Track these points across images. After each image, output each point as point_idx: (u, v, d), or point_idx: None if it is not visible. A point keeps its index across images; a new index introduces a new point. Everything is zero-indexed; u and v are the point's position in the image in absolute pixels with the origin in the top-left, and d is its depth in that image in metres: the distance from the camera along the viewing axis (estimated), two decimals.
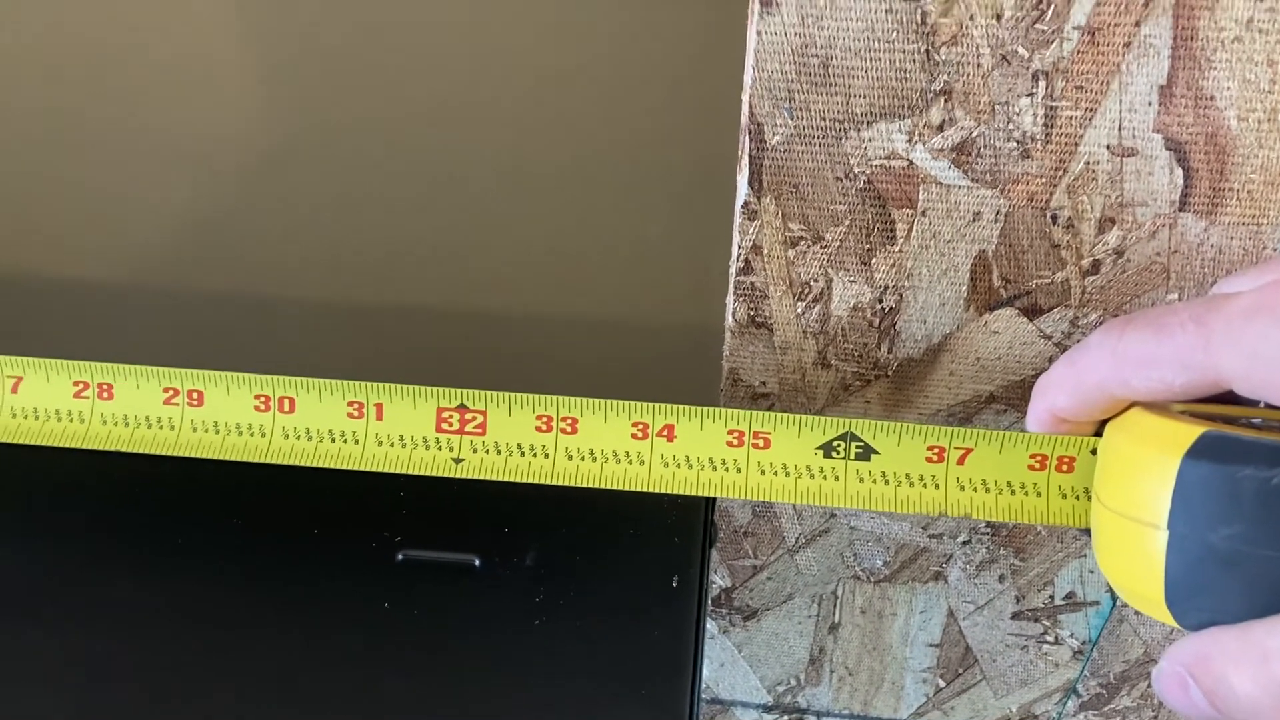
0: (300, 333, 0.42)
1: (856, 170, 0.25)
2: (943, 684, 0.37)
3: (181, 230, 0.41)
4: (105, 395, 0.25)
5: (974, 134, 0.24)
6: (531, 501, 0.27)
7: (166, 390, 0.25)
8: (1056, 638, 0.35)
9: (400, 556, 0.27)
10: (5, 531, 0.28)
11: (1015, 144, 0.24)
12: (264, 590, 0.27)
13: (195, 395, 0.25)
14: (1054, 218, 0.25)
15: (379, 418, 0.25)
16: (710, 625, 0.37)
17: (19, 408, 0.26)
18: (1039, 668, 0.37)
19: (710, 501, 0.29)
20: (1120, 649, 0.36)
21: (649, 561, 0.27)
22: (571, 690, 0.26)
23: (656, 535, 0.27)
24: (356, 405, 0.24)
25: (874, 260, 0.27)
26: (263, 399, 0.25)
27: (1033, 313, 0.27)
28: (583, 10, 0.35)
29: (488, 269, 0.41)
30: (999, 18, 0.22)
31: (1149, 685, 0.37)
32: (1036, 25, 0.22)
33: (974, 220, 0.26)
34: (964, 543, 0.33)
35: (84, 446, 0.25)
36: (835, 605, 0.36)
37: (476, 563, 0.26)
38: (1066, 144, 0.24)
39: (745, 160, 0.25)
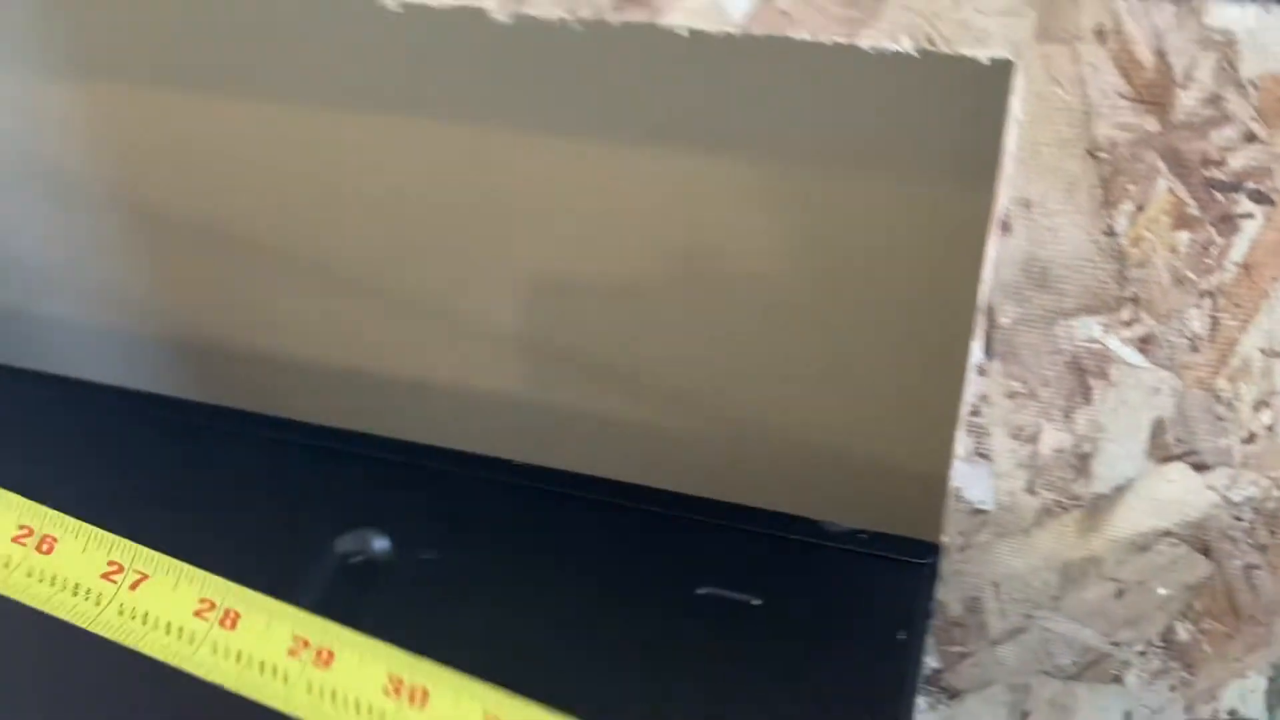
0: None
1: (1064, 348, 0.34)
2: None
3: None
4: None
5: (1155, 330, 0.33)
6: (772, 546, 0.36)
7: None
8: None
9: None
10: None
11: (1186, 340, 0.33)
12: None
13: None
14: (1217, 398, 0.33)
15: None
16: (919, 700, 0.45)
17: None
18: None
19: (934, 577, 0.38)
20: None
21: (878, 611, 0.36)
22: None
23: (884, 593, 0.36)
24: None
25: (1075, 415, 0.35)
26: None
27: (1201, 468, 0.35)
28: (845, 220, 0.46)
29: (753, 402, 0.52)
30: (1175, 251, 0.31)
31: None
32: (1204, 259, 0.31)
33: (1154, 394, 0.34)
34: (1140, 653, 0.41)
35: None
36: (1027, 695, 0.43)
37: (755, 602, 0.36)
38: (1226, 345, 0.32)
39: (981, 333, 0.35)
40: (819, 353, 0.50)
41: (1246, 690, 0.40)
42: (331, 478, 0.40)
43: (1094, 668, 0.42)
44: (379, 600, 0.35)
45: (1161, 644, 0.40)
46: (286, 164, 0.54)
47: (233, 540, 0.37)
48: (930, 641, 0.43)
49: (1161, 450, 0.35)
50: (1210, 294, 0.32)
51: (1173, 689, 0.41)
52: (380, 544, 0.37)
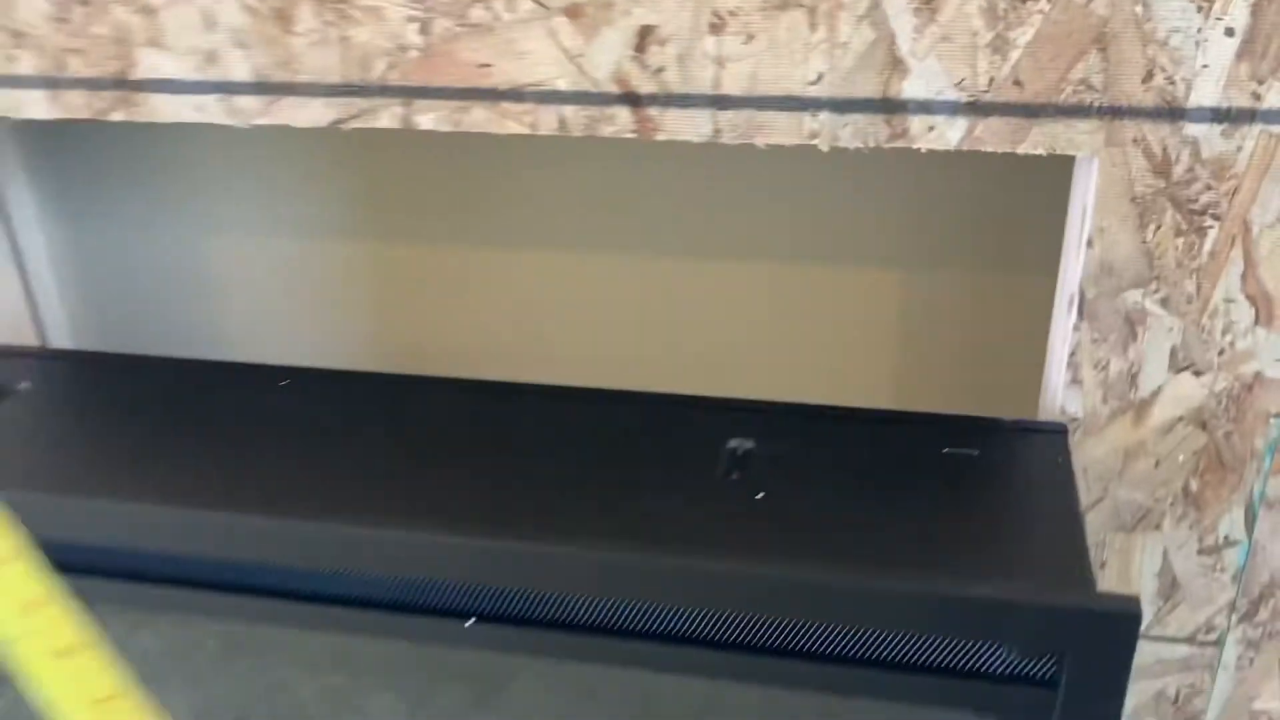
0: None
1: (1120, 310, 0.64)
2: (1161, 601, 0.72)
3: None
4: None
5: (1169, 294, 0.63)
6: None
7: None
8: (1222, 565, 0.70)
9: None
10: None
11: (1185, 298, 0.63)
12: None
13: None
14: (1202, 330, 0.64)
15: None
16: None
17: None
18: (1216, 589, 0.71)
19: (1068, 442, 0.66)
20: (1258, 576, 0.70)
21: (1045, 460, 0.63)
22: None
23: (1047, 449, 0.64)
24: None
25: (1128, 349, 0.65)
26: None
27: (1197, 374, 0.65)
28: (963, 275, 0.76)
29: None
30: (1177, 249, 0.62)
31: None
32: (1191, 252, 0.62)
33: (1169, 332, 0.64)
34: (1171, 504, 0.69)
35: None
36: (1103, 549, 0.71)
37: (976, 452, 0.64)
38: (1205, 299, 0.63)
39: (1075, 306, 0.64)
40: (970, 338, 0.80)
41: (1232, 520, 0.69)
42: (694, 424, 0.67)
43: (1144, 520, 0.70)
44: (752, 475, 0.62)
45: (1182, 495, 0.69)
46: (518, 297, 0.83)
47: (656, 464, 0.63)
48: None
49: (1175, 366, 0.65)
50: (1195, 271, 0.62)
51: (1190, 527, 0.70)
52: (747, 443, 0.64)
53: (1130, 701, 0.77)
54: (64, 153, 0.92)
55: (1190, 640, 0.73)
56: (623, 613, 0.57)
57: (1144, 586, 0.72)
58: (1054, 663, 0.53)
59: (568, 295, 0.89)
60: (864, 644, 0.55)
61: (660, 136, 0.64)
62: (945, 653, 0.54)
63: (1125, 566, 0.72)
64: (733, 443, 0.64)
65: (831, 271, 0.83)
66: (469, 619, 0.59)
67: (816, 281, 0.84)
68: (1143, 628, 0.73)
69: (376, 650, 0.63)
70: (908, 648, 0.55)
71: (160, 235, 0.95)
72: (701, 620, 0.57)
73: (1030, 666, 0.54)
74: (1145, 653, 0.74)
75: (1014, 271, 0.80)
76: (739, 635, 0.57)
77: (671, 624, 0.57)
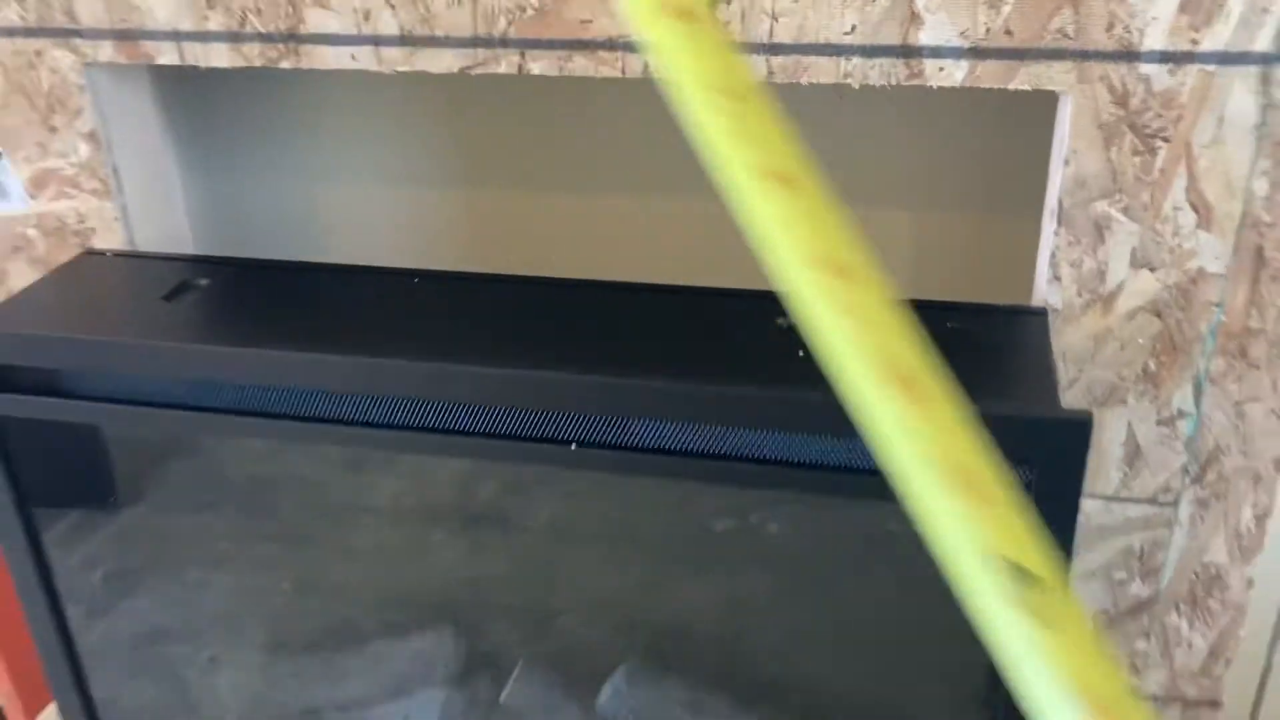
0: None
1: (1092, 216, 0.81)
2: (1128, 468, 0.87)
3: None
4: None
5: (1129, 203, 0.80)
6: None
7: None
8: (1176, 434, 0.86)
9: None
10: None
11: (1142, 206, 0.80)
12: None
13: None
14: (1157, 233, 0.80)
15: None
16: None
17: None
18: (1171, 456, 0.87)
19: (1047, 322, 0.82)
20: (1206, 444, 0.86)
21: (1031, 335, 0.80)
22: None
23: (1031, 328, 0.81)
24: None
25: (1098, 250, 0.81)
26: None
27: (1152, 269, 0.81)
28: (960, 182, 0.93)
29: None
30: (1134, 165, 0.79)
31: (1229, 469, 0.86)
32: (1146, 169, 0.78)
33: (1131, 235, 0.81)
34: (1134, 381, 0.85)
35: None
36: None
37: None
38: (1159, 206, 0.79)
39: (1054, 214, 0.81)
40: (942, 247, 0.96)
41: (1183, 395, 0.85)
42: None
43: (1112, 395, 0.86)
44: None
45: (1142, 374, 0.85)
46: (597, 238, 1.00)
47: None
48: None
49: (1135, 264, 0.81)
50: (1149, 184, 0.79)
51: (1149, 402, 0.86)
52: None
53: (1101, 558, 0.92)
54: (201, 113, 1.10)
55: (1151, 501, 0.89)
56: (696, 433, 0.74)
57: (1111, 454, 0.88)
58: (1027, 466, 0.69)
59: (632, 230, 1.06)
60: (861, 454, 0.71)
61: None
62: None
63: (1097, 436, 0.88)
64: (780, 320, 0.81)
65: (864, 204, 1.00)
66: (571, 444, 0.76)
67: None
68: (1111, 490, 0.89)
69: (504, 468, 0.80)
70: None
71: (277, 182, 1.13)
72: (739, 438, 0.73)
73: (1011, 470, 0.70)
74: (1115, 512, 0.90)
75: (1009, 209, 0.96)
76: (782, 452, 0.73)
77: (713, 441, 0.73)
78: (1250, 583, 0.91)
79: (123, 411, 0.83)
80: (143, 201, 1.02)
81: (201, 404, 0.81)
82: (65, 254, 1.01)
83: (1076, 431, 0.67)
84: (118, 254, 0.98)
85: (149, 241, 1.03)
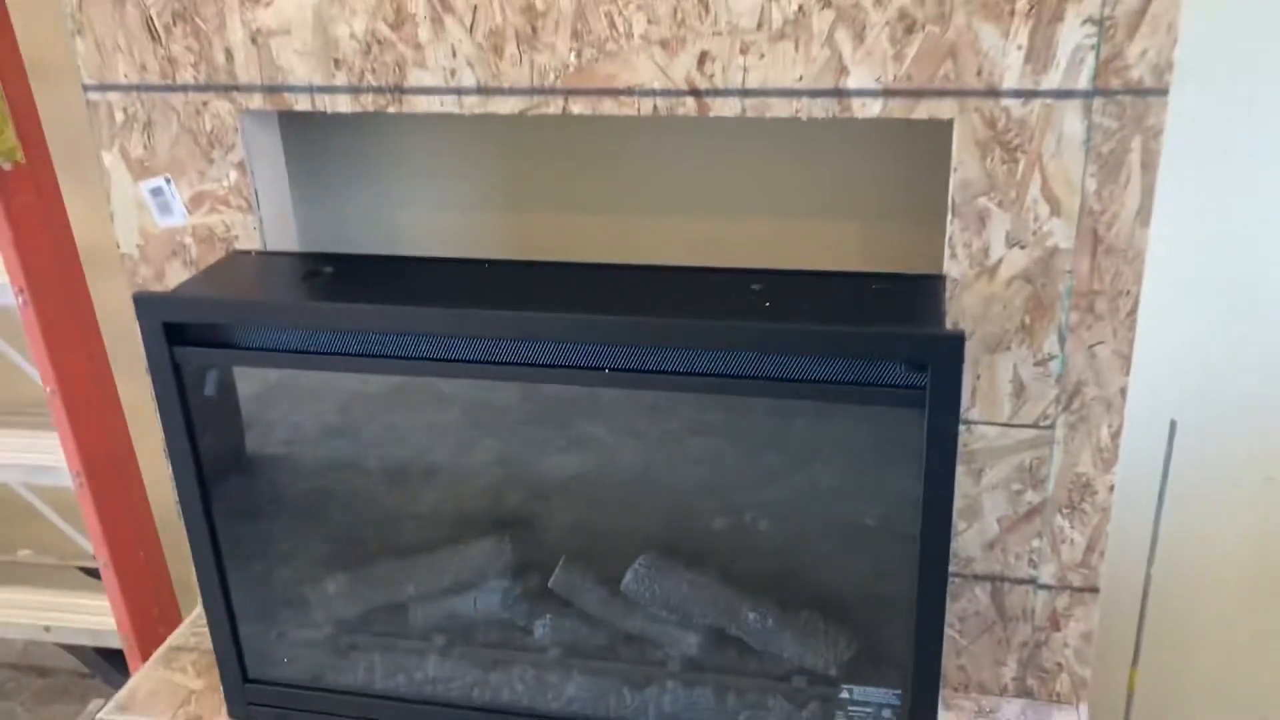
0: None
1: (975, 198, 1.12)
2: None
3: None
4: None
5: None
6: None
7: None
8: (1049, 373, 1.16)
9: None
10: None
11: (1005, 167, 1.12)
12: None
13: None
14: (1021, 218, 1.12)
15: None
16: None
17: None
18: (1046, 389, 1.17)
19: (943, 287, 1.14)
20: (1070, 379, 1.16)
21: (932, 294, 1.11)
22: None
23: (932, 290, 1.12)
24: None
25: (984, 233, 1.13)
26: None
27: (1021, 247, 1.13)
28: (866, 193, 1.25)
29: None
30: (998, 157, 1.11)
31: (1089, 401, 1.16)
32: (1013, 163, 1.11)
33: (999, 215, 1.12)
34: (1015, 332, 1.16)
35: None
36: (975, 366, 1.18)
37: None
38: (1024, 185, 1.11)
39: (953, 204, 1.13)
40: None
41: (1051, 342, 1.16)
42: None
43: (999, 345, 1.17)
44: None
45: (1020, 327, 1.16)
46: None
47: None
48: None
49: (1009, 243, 1.13)
50: (1015, 184, 1.10)
51: (1027, 348, 1.16)
52: (760, 285, 1.13)
53: (1002, 473, 1.22)
54: (311, 152, 1.43)
55: (1034, 425, 1.20)
56: (686, 357, 1.05)
57: (1002, 389, 1.18)
58: (923, 370, 1.00)
59: (644, 241, 1.38)
60: (814, 367, 1.02)
61: (711, 114, 1.14)
62: (866, 370, 1.02)
63: (992, 376, 1.18)
64: (754, 285, 1.12)
65: (819, 214, 1.32)
66: (606, 369, 1.07)
67: (804, 222, 1.32)
68: (1004, 418, 1.20)
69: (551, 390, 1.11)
70: (845, 368, 1.02)
71: (364, 207, 1.45)
72: (727, 359, 1.04)
73: (909, 377, 1.01)
74: (1009, 435, 1.20)
75: (924, 220, 1.27)
76: (745, 368, 1.04)
77: (709, 363, 1.04)
78: (1112, 488, 1.21)
79: (277, 357, 1.14)
80: (273, 217, 1.34)
81: (329, 349, 1.13)
82: (211, 257, 1.33)
83: (954, 343, 0.98)
84: (260, 253, 1.30)
85: (274, 247, 1.35)
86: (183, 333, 1.16)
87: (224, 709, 1.36)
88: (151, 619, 1.71)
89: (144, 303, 1.15)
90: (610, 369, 1.07)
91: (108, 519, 1.64)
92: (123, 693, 1.41)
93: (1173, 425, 1.37)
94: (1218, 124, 1.29)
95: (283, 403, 1.29)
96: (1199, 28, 1.21)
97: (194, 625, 1.53)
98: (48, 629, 1.75)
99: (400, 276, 1.21)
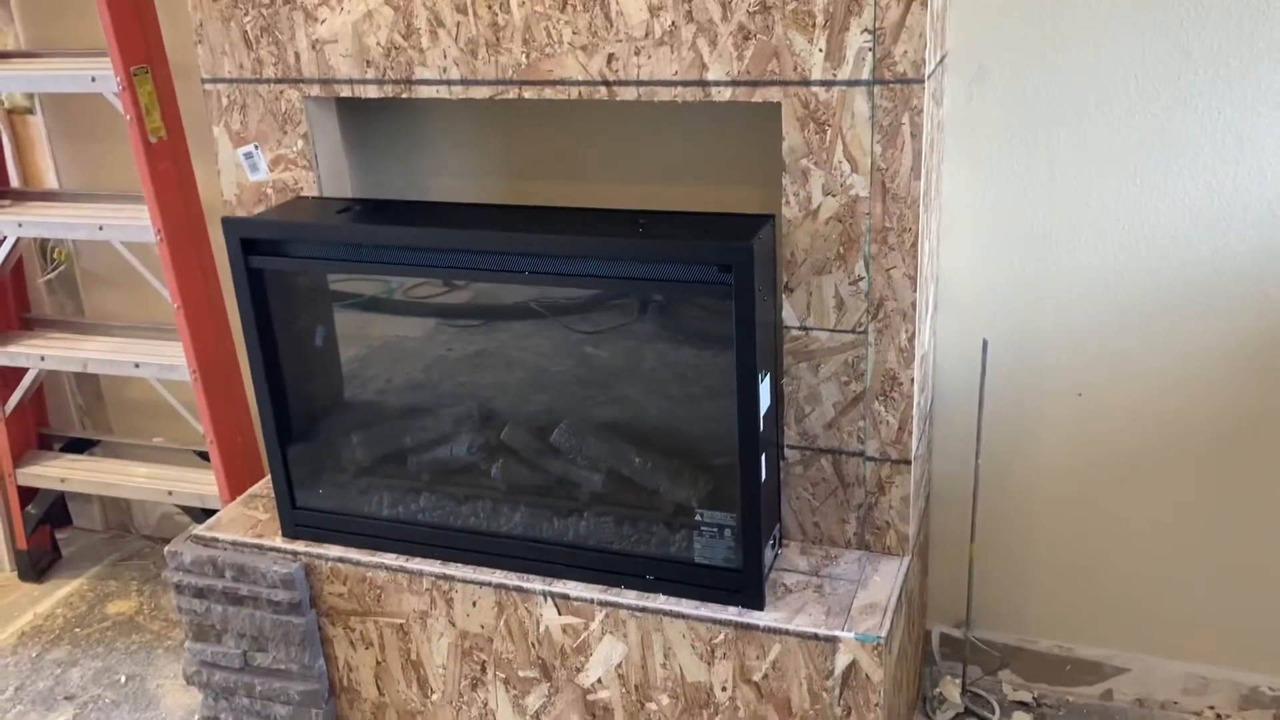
0: None
1: (801, 157, 1.56)
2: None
3: None
4: None
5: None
6: None
7: None
8: (859, 291, 1.58)
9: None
10: None
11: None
12: None
13: None
14: (826, 170, 1.55)
15: None
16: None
17: None
18: (859, 303, 1.58)
19: (775, 226, 1.57)
20: (875, 295, 1.57)
21: (763, 233, 1.55)
22: None
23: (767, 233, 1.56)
24: None
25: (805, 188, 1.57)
26: None
27: (832, 195, 1.56)
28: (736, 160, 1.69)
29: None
30: (810, 133, 1.54)
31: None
32: (821, 140, 1.54)
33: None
34: (835, 261, 1.58)
35: None
36: (816, 293, 1.60)
37: None
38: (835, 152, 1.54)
39: (786, 173, 1.57)
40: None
41: (860, 267, 1.57)
42: None
43: (823, 269, 1.59)
44: None
45: (837, 255, 1.58)
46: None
47: None
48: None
49: (824, 193, 1.55)
50: (825, 149, 1.53)
51: (843, 272, 1.58)
52: (643, 220, 1.59)
53: (834, 368, 1.64)
54: (360, 128, 1.95)
55: (853, 331, 1.61)
56: (572, 261, 1.51)
57: (829, 303, 1.61)
58: (729, 270, 1.44)
59: (591, 198, 1.85)
60: (669, 271, 1.48)
61: (618, 99, 1.60)
62: (701, 272, 1.46)
63: (820, 293, 1.61)
64: (640, 220, 1.58)
65: (685, 179, 1.77)
66: (525, 272, 1.54)
67: (699, 186, 1.77)
68: (831, 325, 1.62)
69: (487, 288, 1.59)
70: (686, 271, 1.47)
71: (400, 174, 1.96)
72: (611, 266, 1.50)
73: (719, 275, 1.45)
74: (836, 339, 1.62)
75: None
76: (623, 272, 1.50)
77: (600, 269, 1.51)
78: (913, 381, 1.62)
79: (319, 264, 1.66)
80: (328, 175, 1.87)
81: (357, 259, 1.63)
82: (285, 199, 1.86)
83: (746, 251, 1.42)
84: (315, 198, 1.82)
85: (331, 194, 1.87)
86: (255, 246, 1.69)
87: (279, 531, 1.88)
88: (244, 487, 2.25)
89: (228, 224, 1.68)
90: (530, 272, 1.55)
91: (215, 407, 2.19)
92: (212, 520, 1.95)
93: (985, 343, 1.75)
94: (1024, 99, 1.69)
95: (322, 314, 1.80)
96: (1005, 19, 1.62)
97: (269, 484, 2.05)
98: (170, 493, 2.32)
99: (402, 211, 1.72)
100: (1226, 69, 1.59)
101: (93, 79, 2.04)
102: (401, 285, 1.75)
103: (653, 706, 1.69)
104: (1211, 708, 1.90)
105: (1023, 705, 1.96)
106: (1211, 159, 1.63)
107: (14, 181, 2.39)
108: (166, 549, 1.87)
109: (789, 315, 1.63)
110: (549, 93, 1.64)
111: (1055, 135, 1.69)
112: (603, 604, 1.65)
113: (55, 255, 2.45)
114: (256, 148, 1.85)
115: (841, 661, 1.54)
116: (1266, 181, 1.62)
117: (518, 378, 1.72)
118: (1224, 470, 1.77)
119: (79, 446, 2.53)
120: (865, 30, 1.46)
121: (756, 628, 1.57)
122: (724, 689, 1.63)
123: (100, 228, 2.15)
